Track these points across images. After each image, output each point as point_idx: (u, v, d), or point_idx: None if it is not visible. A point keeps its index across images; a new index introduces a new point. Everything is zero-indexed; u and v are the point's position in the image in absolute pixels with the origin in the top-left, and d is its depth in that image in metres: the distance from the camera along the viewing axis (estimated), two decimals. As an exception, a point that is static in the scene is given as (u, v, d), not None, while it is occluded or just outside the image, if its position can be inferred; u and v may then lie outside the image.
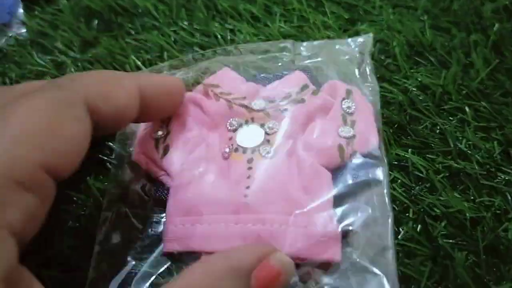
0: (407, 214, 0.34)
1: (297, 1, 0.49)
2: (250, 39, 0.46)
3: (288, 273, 0.26)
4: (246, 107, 0.35)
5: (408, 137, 0.37)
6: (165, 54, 0.45)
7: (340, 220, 0.30)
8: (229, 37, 0.46)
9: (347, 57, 0.40)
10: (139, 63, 0.45)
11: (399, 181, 0.35)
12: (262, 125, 0.34)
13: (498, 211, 0.33)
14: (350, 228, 0.30)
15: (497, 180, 0.35)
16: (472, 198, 0.34)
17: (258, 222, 0.30)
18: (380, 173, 0.33)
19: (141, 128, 0.37)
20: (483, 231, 0.32)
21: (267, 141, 0.33)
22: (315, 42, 0.42)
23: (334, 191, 0.31)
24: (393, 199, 0.34)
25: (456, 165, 0.35)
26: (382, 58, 0.43)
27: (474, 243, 0.32)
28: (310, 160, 0.32)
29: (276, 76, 0.37)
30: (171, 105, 0.34)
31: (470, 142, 0.37)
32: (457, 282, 0.30)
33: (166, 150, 0.34)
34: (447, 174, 0.35)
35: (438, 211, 0.33)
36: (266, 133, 0.34)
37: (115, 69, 0.45)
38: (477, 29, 0.45)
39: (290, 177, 0.31)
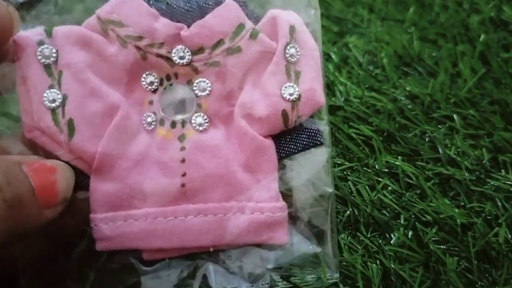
0: (398, 221, 0.33)
1: (287, 15, 0.49)
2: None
3: (65, 171, 0.26)
4: (166, 58, 0.28)
5: (398, 144, 0.38)
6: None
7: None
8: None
9: None
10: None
11: (389, 188, 0.35)
12: (189, 83, 0.28)
13: (488, 217, 0.33)
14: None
15: (487, 186, 0.35)
16: (462, 204, 0.34)
17: (200, 213, 0.27)
18: (324, 137, 0.29)
19: (19, 82, 0.26)
20: (474, 237, 0.32)
21: (197, 106, 0.28)
22: None
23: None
24: (384, 206, 0.34)
25: (446, 171, 0.36)
26: (371, 68, 0.44)
27: (465, 248, 0.32)
28: (251, 133, 0.27)
29: (200, 5, 0.28)
30: None
31: (459, 149, 0.37)
32: (449, 287, 0.30)
33: (71, 129, 0.26)
34: (437, 181, 0.35)
35: (429, 217, 0.33)
36: (196, 95, 0.28)
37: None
38: (464, 40, 0.46)
39: (230, 155, 0.28)
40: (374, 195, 0.34)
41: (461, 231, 0.32)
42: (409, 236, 0.33)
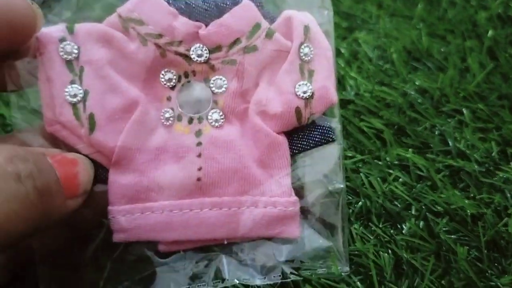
0: (409, 211, 0.34)
1: (297, 11, 0.50)
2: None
3: (85, 164, 0.27)
4: (184, 56, 0.28)
5: (408, 137, 0.38)
6: None
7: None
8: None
9: None
10: None
11: (400, 179, 0.36)
12: (206, 80, 0.29)
13: (498, 208, 0.34)
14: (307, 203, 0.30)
15: (496, 178, 0.36)
16: (472, 195, 0.35)
17: (215, 206, 0.28)
18: (336, 134, 0.30)
19: (41, 78, 0.27)
20: (484, 227, 0.33)
21: (214, 102, 0.29)
22: None
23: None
24: (395, 197, 0.35)
25: (455, 164, 0.36)
26: (381, 63, 0.44)
27: (475, 238, 0.32)
28: (266, 129, 0.28)
29: (217, 5, 0.29)
30: (12, 40, 0.26)
31: (468, 142, 0.38)
32: (460, 276, 0.31)
33: (92, 124, 0.27)
34: (447, 173, 0.36)
35: (439, 208, 0.34)
36: (212, 92, 0.29)
37: None
38: (472, 36, 0.46)
39: (245, 151, 0.29)
40: (385, 186, 0.35)
41: (471, 221, 0.33)
42: (421, 226, 0.33)
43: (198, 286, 0.30)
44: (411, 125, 0.39)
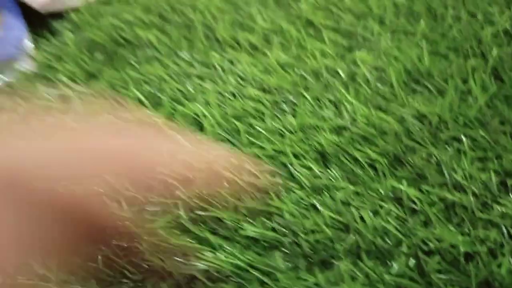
0: (400, 248, 0.33)
1: (296, 30, 0.49)
2: (249, 69, 0.46)
3: None
4: None
5: (404, 167, 0.37)
6: (165, 86, 0.46)
7: None
8: (228, 68, 0.47)
9: None
10: (140, 95, 0.46)
11: (394, 214, 0.35)
12: None
13: (493, 246, 0.33)
14: None
15: (493, 212, 0.34)
16: (467, 231, 0.34)
17: None
18: None
19: None
20: (477, 267, 0.32)
21: None
22: None
23: None
24: (385, 232, 0.34)
25: (451, 197, 0.35)
26: (379, 85, 0.43)
27: (467, 279, 0.31)
28: None
29: None
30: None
31: (466, 173, 0.36)
32: (450, 319, 0.30)
33: None
34: (442, 207, 0.35)
35: (431, 245, 0.33)
36: None
37: (117, 102, 0.46)
38: (476, 54, 0.45)
39: None
40: (377, 221, 0.34)
41: (464, 260, 0.32)
42: (411, 265, 0.32)
43: None
44: (407, 154, 0.38)
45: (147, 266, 0.33)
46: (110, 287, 0.33)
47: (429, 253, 0.33)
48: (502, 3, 0.49)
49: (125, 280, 0.33)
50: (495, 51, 0.44)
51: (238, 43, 0.49)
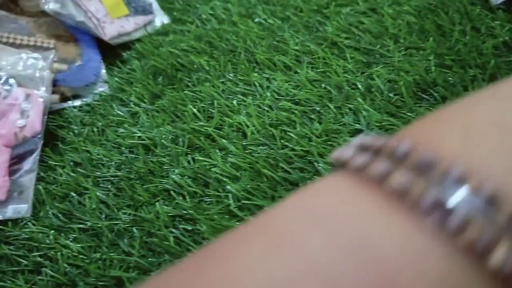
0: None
1: (322, 50, 0.59)
2: (283, 86, 0.56)
3: None
4: None
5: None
6: (215, 102, 0.57)
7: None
8: (265, 85, 0.57)
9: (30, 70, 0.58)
10: (195, 110, 0.57)
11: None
12: None
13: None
14: None
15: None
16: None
17: None
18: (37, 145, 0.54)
19: None
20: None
21: None
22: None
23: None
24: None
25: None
26: (391, 95, 0.52)
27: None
28: None
29: None
30: None
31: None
32: None
33: None
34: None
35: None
36: None
37: (176, 116, 0.57)
38: (477, 64, 0.52)
39: None
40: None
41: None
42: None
43: None
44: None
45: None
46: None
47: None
48: (503, 18, 0.56)
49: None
50: (492, 62, 0.52)
51: (274, 64, 0.59)
